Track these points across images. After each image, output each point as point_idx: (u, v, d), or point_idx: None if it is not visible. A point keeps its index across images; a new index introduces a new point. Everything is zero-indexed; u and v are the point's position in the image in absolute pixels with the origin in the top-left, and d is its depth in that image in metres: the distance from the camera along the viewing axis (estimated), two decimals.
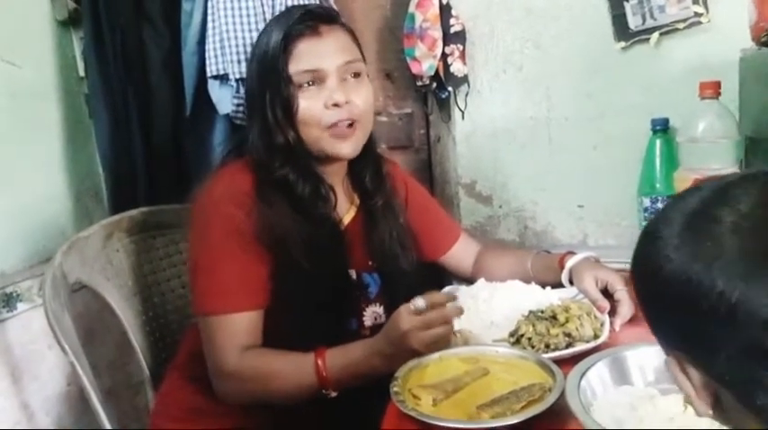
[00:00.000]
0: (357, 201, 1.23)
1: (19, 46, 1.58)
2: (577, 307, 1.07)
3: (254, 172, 1.11)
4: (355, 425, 1.05)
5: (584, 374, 0.85)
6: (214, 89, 1.49)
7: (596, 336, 1.03)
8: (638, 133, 1.48)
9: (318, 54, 1.09)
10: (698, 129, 1.28)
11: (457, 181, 1.70)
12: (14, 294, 1.50)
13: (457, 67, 1.56)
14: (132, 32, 1.57)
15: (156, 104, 1.60)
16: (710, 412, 0.53)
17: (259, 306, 1.07)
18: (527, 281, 1.23)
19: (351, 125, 1.11)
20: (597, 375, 0.86)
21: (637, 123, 1.48)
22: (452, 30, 1.54)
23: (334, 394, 1.01)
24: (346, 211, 1.21)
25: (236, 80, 1.46)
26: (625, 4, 1.46)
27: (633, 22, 1.47)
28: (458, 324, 1.12)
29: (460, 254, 1.35)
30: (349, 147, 1.12)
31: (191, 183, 1.23)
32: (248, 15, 1.46)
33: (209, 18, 1.47)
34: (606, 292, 1.12)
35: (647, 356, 0.88)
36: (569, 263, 1.19)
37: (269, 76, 1.10)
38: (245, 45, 1.44)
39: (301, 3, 1.45)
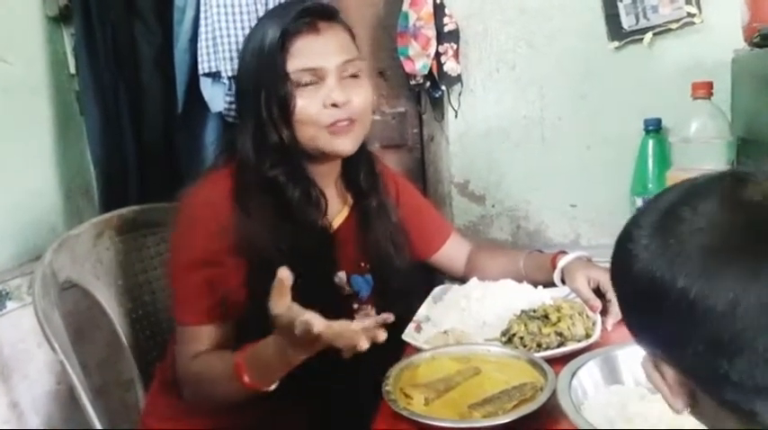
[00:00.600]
0: (350, 201, 1.21)
1: (9, 42, 1.57)
2: (569, 306, 1.07)
3: (239, 176, 1.08)
4: (346, 424, 1.05)
5: (575, 373, 0.85)
6: (206, 87, 1.48)
7: (588, 336, 1.03)
8: (630, 133, 1.48)
9: (318, 52, 1.07)
10: (690, 129, 1.29)
11: (450, 180, 1.70)
12: (4, 292, 1.48)
13: (450, 66, 1.56)
14: (123, 29, 1.56)
15: (148, 102, 1.59)
16: (687, 410, 0.54)
17: (218, 320, 1.05)
18: (519, 280, 1.23)
19: (349, 123, 1.09)
20: (588, 374, 0.87)
21: (630, 123, 1.48)
22: (446, 29, 1.54)
23: (269, 388, 0.94)
24: (338, 212, 1.19)
25: (229, 78, 1.45)
26: (618, 4, 1.46)
27: (626, 22, 1.47)
28: (450, 323, 1.12)
29: (452, 253, 1.34)
30: (348, 143, 1.09)
31: (182, 181, 1.21)
32: (241, 13, 1.46)
33: (202, 15, 1.46)
34: (598, 292, 1.11)
35: (638, 356, 0.88)
36: (561, 262, 1.18)
37: (265, 74, 1.06)
38: (237, 42, 1.43)
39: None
